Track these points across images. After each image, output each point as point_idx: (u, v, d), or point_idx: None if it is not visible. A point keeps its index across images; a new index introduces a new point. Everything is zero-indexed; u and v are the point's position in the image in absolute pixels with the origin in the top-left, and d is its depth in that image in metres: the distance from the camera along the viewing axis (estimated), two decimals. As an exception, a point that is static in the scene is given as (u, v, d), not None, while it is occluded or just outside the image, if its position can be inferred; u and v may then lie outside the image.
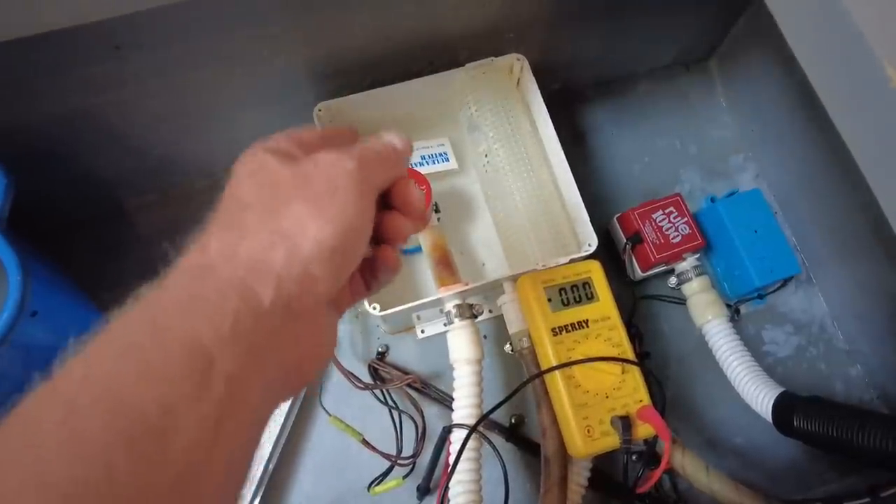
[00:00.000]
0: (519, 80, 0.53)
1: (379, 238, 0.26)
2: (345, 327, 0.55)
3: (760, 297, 0.58)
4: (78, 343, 0.19)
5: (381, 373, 0.53)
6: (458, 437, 0.42)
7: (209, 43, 0.43)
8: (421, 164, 0.53)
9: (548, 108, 0.51)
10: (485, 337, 0.55)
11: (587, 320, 0.43)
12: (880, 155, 0.27)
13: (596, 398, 0.41)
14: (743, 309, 0.58)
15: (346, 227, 0.23)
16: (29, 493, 0.15)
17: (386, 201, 0.27)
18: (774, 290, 0.58)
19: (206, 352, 0.18)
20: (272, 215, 0.22)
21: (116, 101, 0.46)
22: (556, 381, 0.41)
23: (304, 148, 0.25)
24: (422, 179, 0.48)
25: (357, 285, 0.28)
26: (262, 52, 0.45)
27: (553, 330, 0.43)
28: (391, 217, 0.27)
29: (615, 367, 0.42)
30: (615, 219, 0.56)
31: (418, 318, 0.54)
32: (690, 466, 0.42)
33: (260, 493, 0.48)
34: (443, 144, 0.54)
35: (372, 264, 0.27)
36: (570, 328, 0.43)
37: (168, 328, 0.19)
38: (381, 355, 0.54)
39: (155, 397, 0.17)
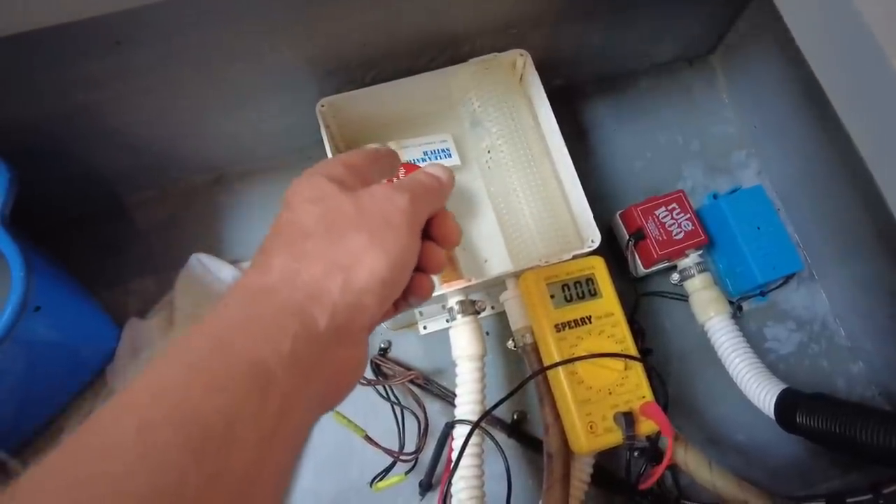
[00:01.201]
0: (522, 75, 0.53)
1: (417, 266, 0.27)
2: (347, 323, 0.55)
3: (763, 293, 0.58)
4: (149, 358, 0.20)
5: (383, 369, 0.53)
6: (460, 433, 0.42)
7: (209, 38, 0.43)
8: (423, 160, 0.53)
9: (550, 103, 0.51)
10: (487, 333, 0.55)
11: (590, 316, 0.43)
12: (887, 150, 0.27)
13: (599, 394, 0.41)
14: (745, 306, 0.58)
15: (397, 261, 0.24)
16: (108, 502, 0.16)
17: (426, 231, 0.28)
18: (777, 287, 0.58)
19: (267, 370, 0.20)
20: (331, 244, 0.24)
21: (116, 97, 0.46)
22: (559, 378, 0.41)
23: (358, 176, 0.27)
24: (424, 175, 0.48)
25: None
26: (263, 48, 0.45)
27: (556, 326, 0.43)
28: (430, 248, 0.28)
29: (618, 364, 0.42)
30: (618, 215, 0.56)
31: (421, 314, 0.54)
32: (694, 462, 0.42)
33: (262, 489, 0.48)
34: (445, 140, 0.54)
35: (406, 288, 0.28)
36: (572, 324, 0.43)
37: (232, 346, 0.20)
38: (384, 351, 0.54)
39: (220, 410, 0.18)
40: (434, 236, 0.28)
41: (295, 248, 0.24)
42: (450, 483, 0.41)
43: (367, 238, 0.24)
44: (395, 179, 0.29)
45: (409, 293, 0.28)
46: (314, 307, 0.22)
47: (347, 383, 0.25)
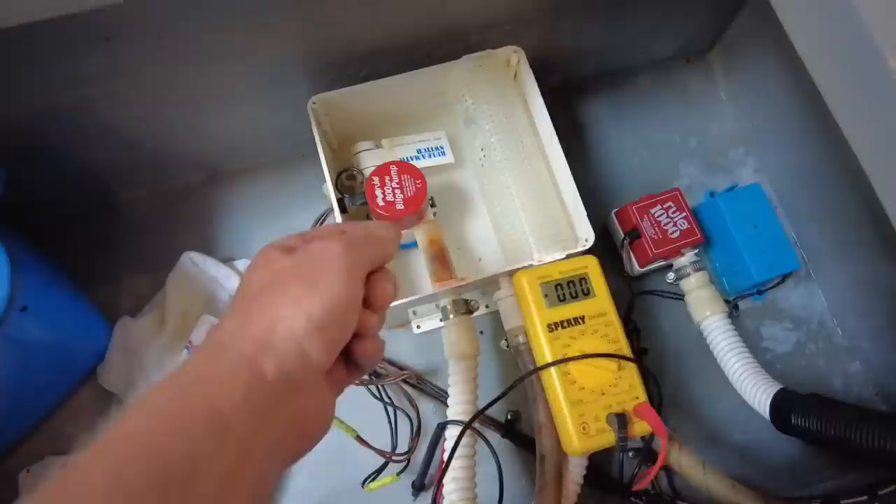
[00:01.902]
0: (516, 72, 0.52)
1: (366, 303, 0.29)
2: (340, 323, 0.55)
3: (759, 292, 0.58)
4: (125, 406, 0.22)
5: (377, 368, 0.52)
6: (452, 433, 0.42)
7: (199, 35, 0.42)
8: (417, 158, 0.52)
9: (547, 100, 0.51)
10: (481, 332, 0.55)
11: (583, 316, 0.43)
12: (882, 149, 0.27)
13: (592, 395, 0.41)
14: (742, 305, 0.58)
15: (331, 305, 0.26)
16: None
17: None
18: (774, 286, 0.58)
19: (222, 415, 0.22)
20: (274, 299, 0.26)
21: (106, 94, 0.45)
22: (552, 378, 0.41)
23: (304, 239, 0.29)
24: (417, 174, 0.47)
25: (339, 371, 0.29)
26: (253, 45, 0.45)
27: (549, 326, 0.42)
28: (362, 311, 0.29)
29: (611, 364, 0.41)
30: (613, 213, 0.56)
31: (414, 313, 0.53)
32: (687, 464, 0.42)
33: (254, 489, 0.48)
34: (439, 138, 0.54)
35: (350, 350, 0.29)
36: (566, 324, 0.42)
37: (192, 394, 0.22)
38: (377, 351, 0.54)
39: (182, 451, 0.20)
40: (365, 294, 0.29)
41: (244, 307, 0.26)
42: (441, 484, 0.41)
43: (303, 287, 0.26)
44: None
45: (353, 355, 0.29)
46: (262, 357, 0.24)
47: (311, 433, 0.27)
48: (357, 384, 0.48)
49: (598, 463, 0.50)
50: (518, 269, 0.45)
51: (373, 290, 0.29)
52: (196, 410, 0.22)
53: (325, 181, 0.48)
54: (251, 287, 0.27)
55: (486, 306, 0.54)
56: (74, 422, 0.52)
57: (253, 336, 0.25)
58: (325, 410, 0.27)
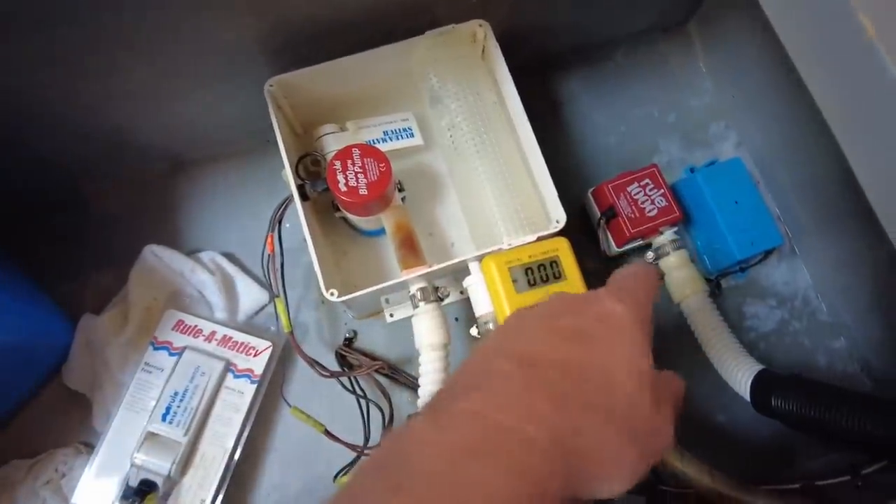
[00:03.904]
0: (483, 48, 0.50)
1: None
2: (311, 314, 0.53)
3: (742, 270, 0.56)
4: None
5: (348, 359, 0.51)
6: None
7: (143, 17, 0.40)
8: (384, 141, 0.50)
9: (519, 77, 0.48)
10: (456, 319, 0.53)
11: (555, 301, 0.41)
12: (854, 114, 0.25)
13: (564, 382, 0.39)
14: (724, 283, 0.56)
15: (655, 448, 0.24)
16: None
17: None
18: (756, 263, 0.56)
19: None
20: (583, 445, 0.22)
21: (51, 82, 0.43)
22: (523, 366, 0.39)
23: (583, 311, 0.25)
24: (381, 157, 0.45)
25: None
26: (204, 25, 0.43)
27: (519, 312, 0.41)
28: None
29: (584, 349, 0.40)
30: (589, 193, 0.54)
31: (387, 301, 0.52)
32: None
33: (224, 486, 0.47)
34: (407, 119, 0.52)
35: None
36: (536, 309, 0.41)
37: None
38: (349, 341, 0.52)
39: None
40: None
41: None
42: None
43: (616, 434, 0.23)
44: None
45: None
46: None
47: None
48: (327, 376, 0.46)
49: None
50: (487, 254, 0.43)
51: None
52: None
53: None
54: (515, 392, 0.22)
55: (462, 292, 0.53)
56: (40, 423, 0.50)
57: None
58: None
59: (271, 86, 0.46)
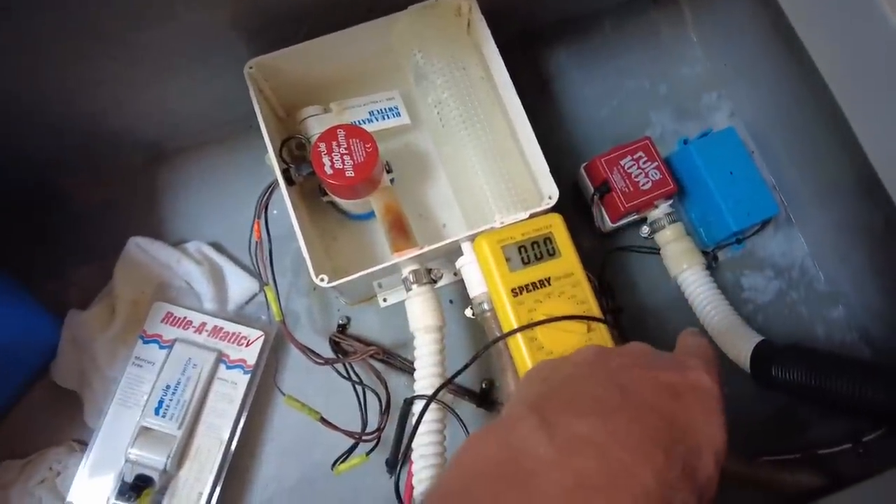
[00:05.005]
0: (469, 22, 0.49)
1: None
2: (302, 301, 0.52)
3: (739, 241, 0.55)
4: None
5: (342, 346, 0.50)
6: (420, 408, 0.40)
7: (109, 1, 0.38)
8: (370, 122, 0.49)
9: (507, 52, 0.47)
10: (450, 301, 0.53)
11: (549, 278, 0.40)
12: (853, 70, 0.24)
13: (562, 360, 0.39)
14: (721, 255, 0.56)
15: None
16: None
17: None
18: (753, 234, 0.56)
19: None
20: None
21: (18, 73, 0.41)
22: (518, 345, 0.39)
23: (670, 372, 0.26)
24: (367, 137, 0.44)
25: None
26: (174, 9, 0.41)
27: (513, 291, 0.40)
28: None
29: (580, 326, 0.39)
30: (582, 168, 0.53)
31: (380, 286, 0.51)
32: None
33: (222, 478, 0.46)
34: (392, 98, 0.50)
35: None
36: (531, 287, 0.40)
37: None
38: (342, 328, 0.51)
39: None
40: None
41: None
42: (411, 462, 0.39)
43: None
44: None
45: None
46: None
47: None
48: (321, 363, 0.46)
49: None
50: (479, 233, 0.42)
51: None
52: None
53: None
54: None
55: (455, 274, 0.52)
56: (30, 421, 0.50)
57: None
58: None
59: (251, 68, 0.45)
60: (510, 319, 0.39)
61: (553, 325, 0.39)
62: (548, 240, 0.41)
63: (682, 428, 0.23)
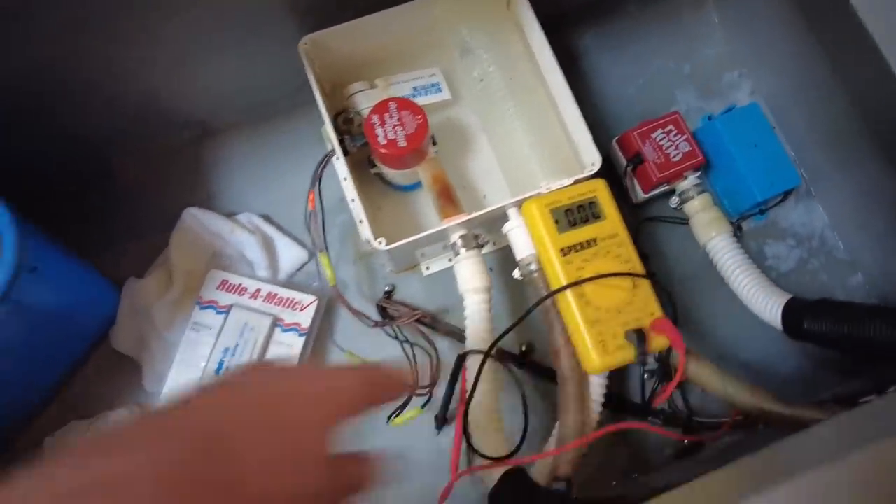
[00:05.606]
0: (508, 1, 0.51)
1: None
2: (349, 270, 0.55)
3: (762, 212, 0.58)
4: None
5: (389, 311, 0.53)
6: (472, 364, 0.42)
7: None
8: (413, 97, 0.51)
9: (538, 31, 0.49)
10: (491, 269, 0.55)
11: (595, 239, 0.43)
12: None
13: (608, 314, 0.41)
14: (745, 226, 0.58)
15: None
16: None
17: None
18: (775, 205, 0.58)
19: None
20: None
21: (81, 50, 0.43)
22: (568, 301, 0.41)
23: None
24: (417, 110, 0.46)
25: None
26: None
27: (562, 250, 0.42)
28: None
29: (626, 283, 0.42)
30: (615, 141, 0.55)
31: (422, 255, 0.53)
32: (706, 374, 0.43)
33: (279, 437, 0.48)
34: (434, 74, 0.53)
35: None
36: (578, 248, 0.42)
37: None
38: (388, 294, 0.54)
39: None
40: None
41: None
42: (467, 412, 0.41)
43: None
44: None
45: None
46: None
47: None
48: (371, 325, 0.48)
49: (617, 386, 0.51)
50: (526, 199, 0.44)
51: None
52: None
53: (318, 127, 0.47)
54: None
55: (494, 243, 0.54)
56: (93, 385, 0.52)
57: None
58: None
59: (305, 44, 0.47)
60: (559, 277, 0.42)
61: (600, 281, 0.41)
62: (593, 203, 0.44)
63: None
